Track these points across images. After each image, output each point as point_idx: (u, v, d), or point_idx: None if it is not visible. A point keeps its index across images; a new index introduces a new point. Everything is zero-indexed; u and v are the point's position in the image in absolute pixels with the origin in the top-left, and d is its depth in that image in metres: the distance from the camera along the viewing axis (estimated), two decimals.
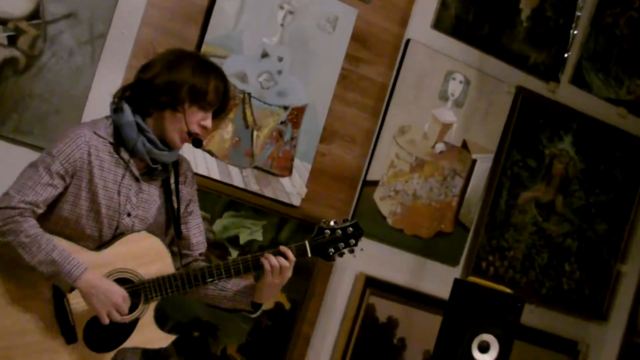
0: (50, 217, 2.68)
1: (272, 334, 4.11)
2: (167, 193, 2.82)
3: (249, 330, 4.07)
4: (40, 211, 2.63)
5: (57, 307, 2.66)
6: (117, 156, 2.71)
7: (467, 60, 4.58)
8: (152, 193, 2.79)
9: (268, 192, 4.02)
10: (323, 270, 4.09)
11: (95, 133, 2.69)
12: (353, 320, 4.38)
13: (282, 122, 4.02)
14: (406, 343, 4.57)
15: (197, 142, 2.73)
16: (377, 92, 4.31)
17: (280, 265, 2.74)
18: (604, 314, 5.16)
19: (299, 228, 4.11)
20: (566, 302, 5.05)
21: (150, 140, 2.69)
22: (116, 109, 2.72)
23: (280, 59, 4.00)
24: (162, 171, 2.79)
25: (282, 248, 2.77)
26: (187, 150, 3.25)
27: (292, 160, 4.07)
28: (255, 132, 3.90)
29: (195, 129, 2.71)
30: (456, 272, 4.69)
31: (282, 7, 4.00)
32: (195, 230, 2.92)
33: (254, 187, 3.96)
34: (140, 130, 2.69)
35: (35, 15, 3.55)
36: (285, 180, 4.08)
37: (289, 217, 4.11)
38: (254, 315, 2.88)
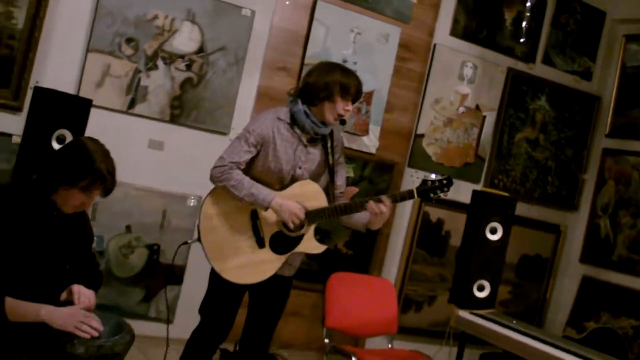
0: (250, 171, 3.01)
1: (366, 237, 4.82)
2: (325, 153, 3.11)
3: (350, 233, 4.75)
4: (242, 167, 2.94)
5: (253, 225, 3.01)
6: (292, 131, 3.01)
7: (474, 53, 5.17)
8: (315, 153, 3.07)
9: (354, 146, 4.71)
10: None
11: (278, 117, 2.99)
12: (415, 222, 5.10)
13: (359, 102, 4.61)
14: (451, 233, 5.18)
15: (343, 122, 3.04)
16: (418, 79, 4.95)
17: (379, 209, 2.98)
18: (575, 205, 5.75)
19: (376, 167, 4.76)
20: (551, 201, 5.59)
21: (314, 122, 2.99)
22: (292, 100, 3.05)
23: (355, 63, 4.64)
24: (321, 140, 3.09)
25: (382, 197, 2.98)
26: None
27: (368, 125, 4.73)
28: None
29: (342, 112, 2.99)
30: (478, 187, 5.15)
31: (352, 31, 4.62)
32: (339, 176, 3.19)
33: (345, 143, 4.30)
34: (307, 115, 2.99)
35: (200, 50, 4.12)
36: (364, 138, 4.75)
37: (369, 160, 4.79)
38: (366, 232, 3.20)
